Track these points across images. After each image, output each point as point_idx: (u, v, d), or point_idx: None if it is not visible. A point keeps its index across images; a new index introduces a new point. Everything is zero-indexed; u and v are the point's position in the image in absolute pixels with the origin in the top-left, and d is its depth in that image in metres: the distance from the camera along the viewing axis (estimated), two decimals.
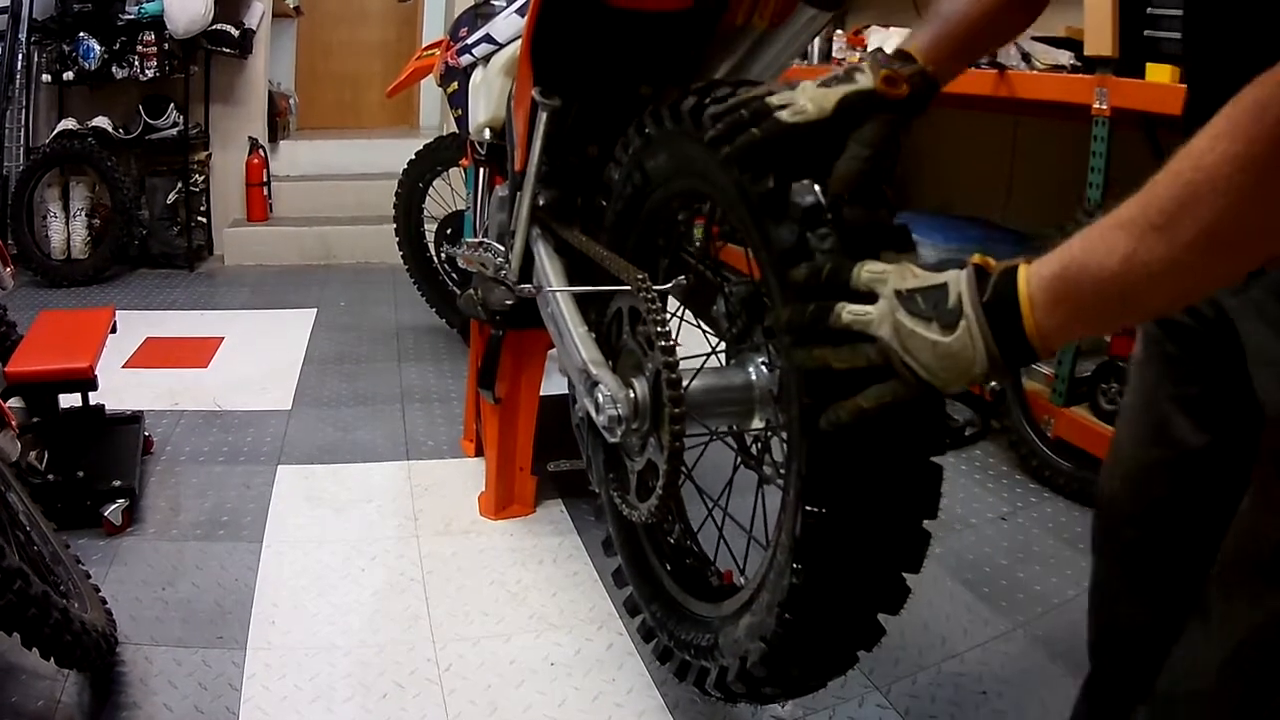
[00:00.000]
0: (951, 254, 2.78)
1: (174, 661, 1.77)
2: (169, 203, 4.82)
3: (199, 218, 4.97)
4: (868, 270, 0.90)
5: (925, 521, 1.14)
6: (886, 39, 3.44)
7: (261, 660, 1.79)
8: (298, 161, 5.53)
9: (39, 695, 1.65)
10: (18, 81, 4.61)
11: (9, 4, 4.54)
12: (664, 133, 1.36)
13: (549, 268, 1.75)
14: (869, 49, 3.49)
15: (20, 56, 4.61)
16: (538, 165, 1.77)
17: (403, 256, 3.80)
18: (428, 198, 3.72)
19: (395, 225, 3.79)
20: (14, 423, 1.61)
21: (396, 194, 3.76)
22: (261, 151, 5.12)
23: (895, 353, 0.86)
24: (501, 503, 2.34)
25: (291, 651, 1.82)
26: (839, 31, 3.94)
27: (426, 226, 3.74)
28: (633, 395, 1.38)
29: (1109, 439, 2.45)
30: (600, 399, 1.41)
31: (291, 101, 6.03)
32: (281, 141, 5.55)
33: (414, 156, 3.69)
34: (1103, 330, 0.74)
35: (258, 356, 3.52)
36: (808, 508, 1.09)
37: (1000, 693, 1.77)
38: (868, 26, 3.72)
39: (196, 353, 3.52)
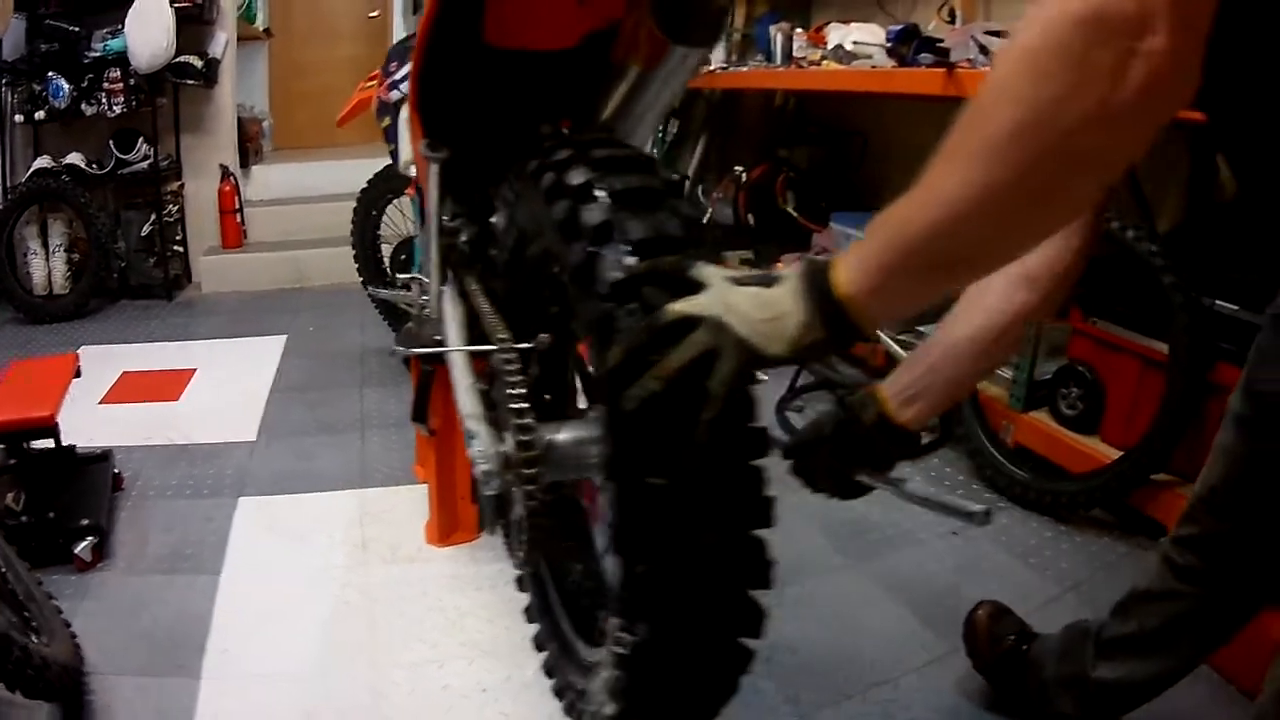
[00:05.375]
0: None
1: (137, 689, 1.89)
2: (144, 234, 4.93)
3: (175, 247, 5.08)
4: (697, 268, 0.97)
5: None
6: (847, 35, 3.45)
7: (215, 689, 1.90)
8: (270, 185, 5.63)
9: None
10: None
11: None
12: (518, 193, 1.39)
13: (448, 314, 1.76)
14: (830, 46, 3.50)
15: None
16: (436, 214, 1.77)
17: (363, 282, 3.92)
18: (383, 224, 3.82)
19: (354, 251, 3.90)
20: None
21: (353, 220, 3.86)
22: (232, 179, 5.22)
23: (720, 321, 0.90)
24: (445, 530, 2.42)
25: (241, 680, 1.92)
26: (798, 30, 3.95)
27: (384, 252, 3.84)
28: (503, 450, 1.39)
29: (1070, 446, 2.39)
30: (474, 453, 1.42)
31: (265, 125, 6.12)
32: (254, 166, 5.64)
33: (365, 184, 3.78)
34: (933, 286, 0.85)
35: (227, 387, 3.63)
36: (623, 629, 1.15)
37: None
38: (829, 23, 3.77)
39: (169, 386, 3.63)
